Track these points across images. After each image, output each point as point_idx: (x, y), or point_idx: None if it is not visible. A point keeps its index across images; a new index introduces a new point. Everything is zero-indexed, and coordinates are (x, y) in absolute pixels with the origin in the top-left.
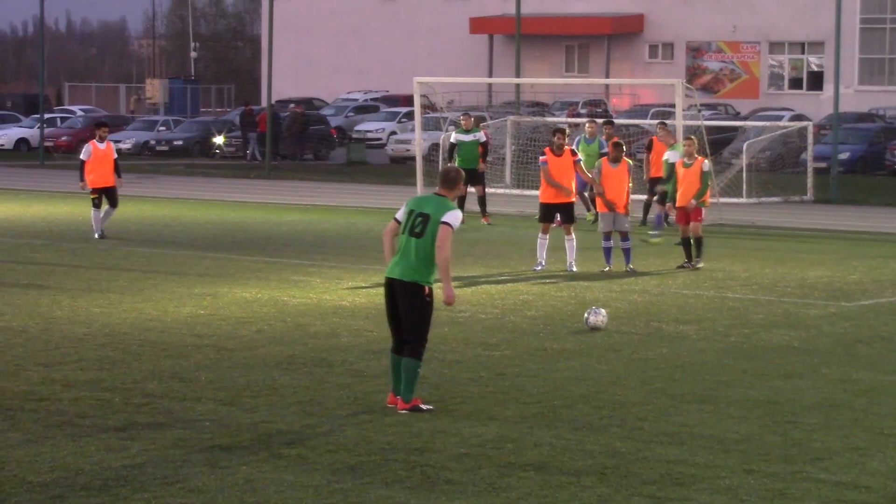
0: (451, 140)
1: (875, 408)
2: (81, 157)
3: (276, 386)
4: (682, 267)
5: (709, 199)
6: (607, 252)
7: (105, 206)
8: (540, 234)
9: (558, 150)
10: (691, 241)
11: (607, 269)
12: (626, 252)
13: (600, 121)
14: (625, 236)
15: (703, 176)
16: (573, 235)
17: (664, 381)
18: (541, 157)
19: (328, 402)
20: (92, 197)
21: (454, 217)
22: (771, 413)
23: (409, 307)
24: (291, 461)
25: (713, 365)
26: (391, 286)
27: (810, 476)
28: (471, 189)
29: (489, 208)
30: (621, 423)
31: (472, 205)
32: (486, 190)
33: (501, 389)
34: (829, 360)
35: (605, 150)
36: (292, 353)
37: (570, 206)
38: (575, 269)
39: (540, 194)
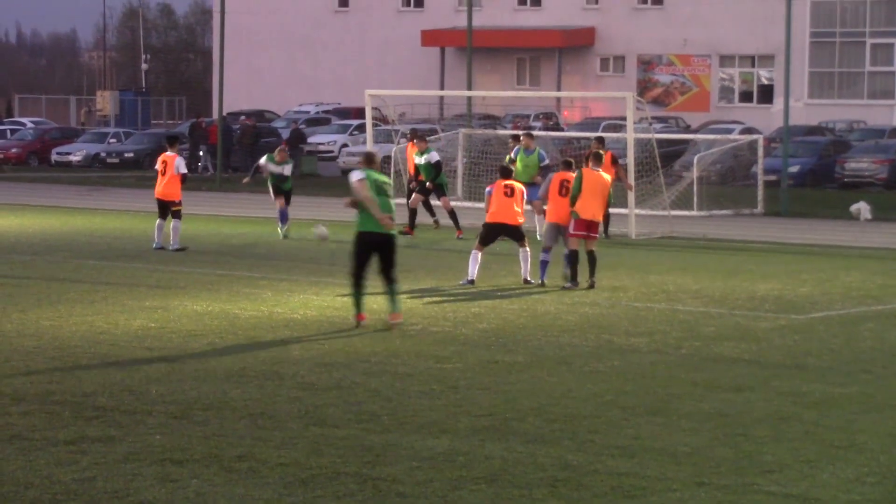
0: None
1: (825, 420)
2: (182, 170)
3: (227, 399)
4: (567, 288)
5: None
6: (544, 265)
7: (169, 220)
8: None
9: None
10: (586, 256)
11: (541, 282)
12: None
13: (520, 133)
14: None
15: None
16: (528, 248)
17: (615, 394)
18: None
19: (279, 414)
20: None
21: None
22: (722, 425)
23: (392, 251)
24: (242, 474)
25: (664, 377)
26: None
27: (761, 489)
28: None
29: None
30: (572, 436)
31: (424, 216)
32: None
33: (453, 402)
34: (779, 372)
35: (546, 161)
36: (243, 365)
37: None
38: (532, 280)
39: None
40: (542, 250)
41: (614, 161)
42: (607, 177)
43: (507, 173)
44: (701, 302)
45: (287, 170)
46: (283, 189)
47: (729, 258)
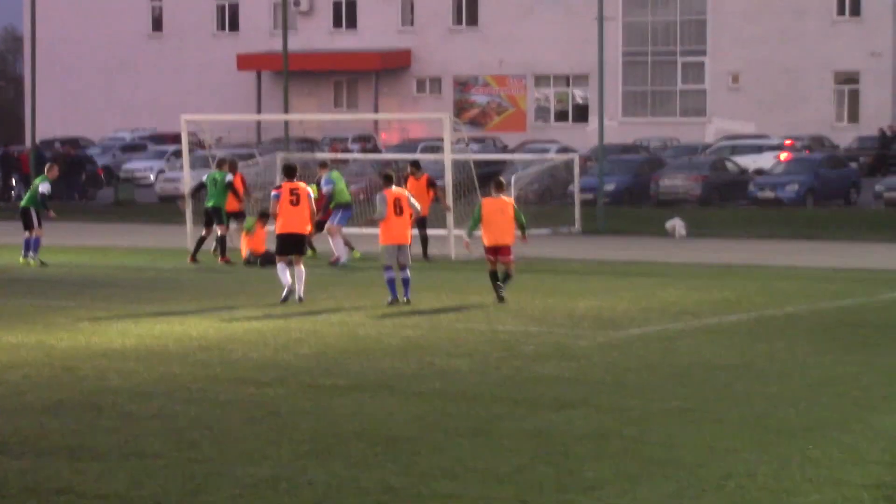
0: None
1: (645, 436)
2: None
3: (44, 432)
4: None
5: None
6: (392, 283)
7: None
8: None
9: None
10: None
11: (392, 300)
12: (406, 283)
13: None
14: (405, 267)
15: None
16: (303, 267)
17: (437, 416)
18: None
19: (98, 446)
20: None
21: None
22: (544, 444)
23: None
24: None
25: (486, 398)
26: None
27: None
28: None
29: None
30: (395, 459)
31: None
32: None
33: (275, 428)
34: (599, 389)
35: (326, 189)
36: (60, 397)
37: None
38: (304, 298)
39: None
40: (384, 269)
41: (431, 184)
42: (509, 199)
43: (290, 173)
44: (521, 321)
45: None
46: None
47: (548, 277)
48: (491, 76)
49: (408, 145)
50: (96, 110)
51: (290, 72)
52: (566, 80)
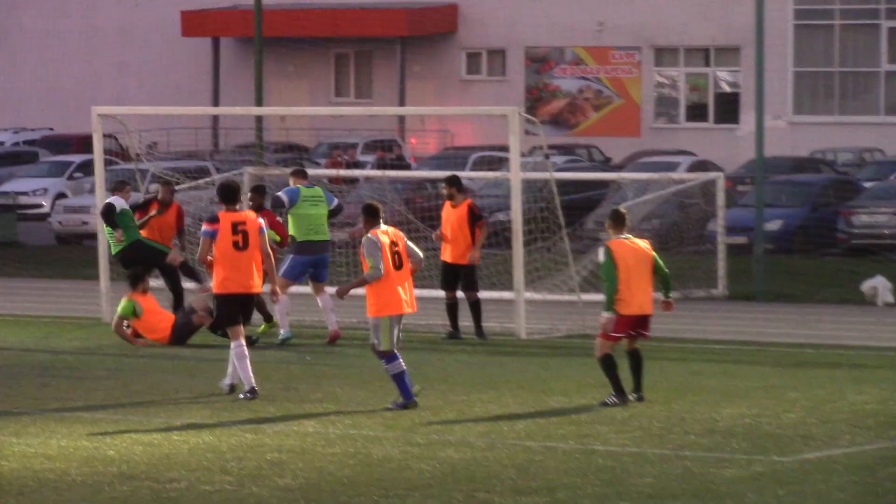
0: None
1: None
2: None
3: None
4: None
5: None
6: (404, 378)
7: None
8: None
9: None
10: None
11: (406, 404)
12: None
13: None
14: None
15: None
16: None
17: None
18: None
19: None
20: None
21: None
22: None
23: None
24: None
25: None
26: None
27: None
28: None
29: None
30: None
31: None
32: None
33: None
34: None
35: (282, 202)
36: None
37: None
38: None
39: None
40: (385, 359)
41: (475, 217)
42: (645, 245)
43: (231, 196)
44: (630, 437)
45: None
46: None
47: (674, 367)
48: (584, 48)
49: (452, 157)
50: None
51: (266, 39)
52: (704, 55)
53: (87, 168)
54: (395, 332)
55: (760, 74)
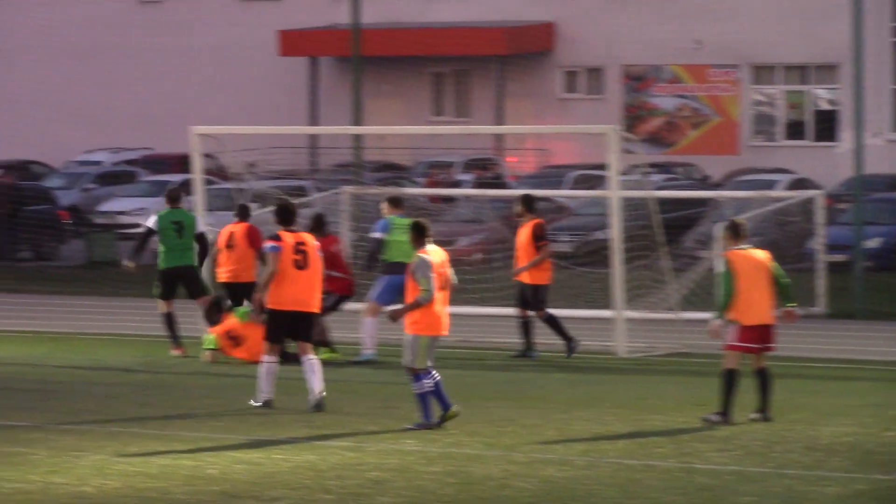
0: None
1: None
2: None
3: None
4: (713, 421)
5: None
6: (427, 398)
7: None
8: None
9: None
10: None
11: (432, 423)
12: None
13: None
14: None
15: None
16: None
17: None
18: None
19: None
20: None
21: None
22: None
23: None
24: None
25: None
26: None
27: None
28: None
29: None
30: None
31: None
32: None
33: None
34: None
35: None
36: None
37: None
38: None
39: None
40: (414, 376)
41: (537, 237)
42: (763, 255)
43: (288, 217)
44: (731, 455)
45: None
46: None
47: (774, 385)
48: (682, 66)
49: (550, 176)
50: (53, 120)
51: (364, 58)
52: (802, 73)
53: (185, 187)
54: (431, 352)
55: (859, 92)
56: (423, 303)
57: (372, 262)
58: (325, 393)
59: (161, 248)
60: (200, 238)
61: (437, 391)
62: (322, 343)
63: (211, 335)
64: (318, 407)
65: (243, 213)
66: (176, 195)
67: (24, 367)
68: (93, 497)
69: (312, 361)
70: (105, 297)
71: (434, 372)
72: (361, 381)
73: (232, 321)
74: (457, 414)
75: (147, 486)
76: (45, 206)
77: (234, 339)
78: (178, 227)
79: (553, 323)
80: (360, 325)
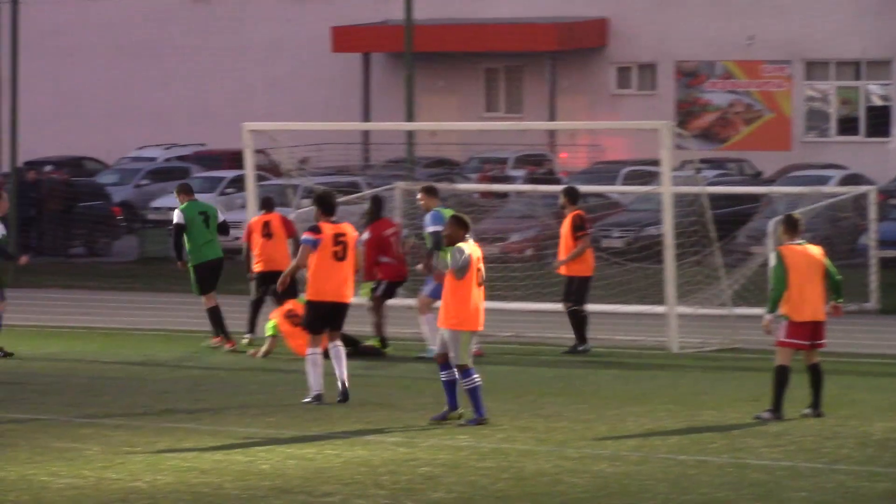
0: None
1: None
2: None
3: None
4: (764, 419)
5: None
6: (451, 387)
7: None
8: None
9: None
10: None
11: (455, 412)
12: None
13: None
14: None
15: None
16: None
17: None
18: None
19: None
20: None
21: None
22: None
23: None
24: None
25: None
26: None
27: None
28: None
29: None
30: None
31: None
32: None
33: None
34: None
35: (432, 228)
36: None
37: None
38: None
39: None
40: (463, 372)
41: (576, 227)
42: (817, 251)
43: (328, 207)
44: (783, 451)
45: None
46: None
47: (826, 381)
48: (735, 62)
49: (603, 171)
50: (106, 116)
51: (416, 54)
52: (855, 68)
53: (238, 184)
54: (471, 347)
55: None
56: (452, 268)
57: (434, 256)
58: (347, 383)
59: (190, 243)
60: (223, 227)
61: (452, 388)
62: (378, 335)
63: (272, 320)
64: (345, 396)
65: (268, 205)
66: (190, 188)
67: (77, 363)
68: (145, 492)
69: (339, 348)
70: (157, 292)
71: (454, 369)
72: (414, 377)
73: (293, 303)
74: (460, 417)
75: (199, 481)
76: (98, 202)
77: (293, 317)
78: (204, 217)
79: (577, 318)
80: (418, 323)
